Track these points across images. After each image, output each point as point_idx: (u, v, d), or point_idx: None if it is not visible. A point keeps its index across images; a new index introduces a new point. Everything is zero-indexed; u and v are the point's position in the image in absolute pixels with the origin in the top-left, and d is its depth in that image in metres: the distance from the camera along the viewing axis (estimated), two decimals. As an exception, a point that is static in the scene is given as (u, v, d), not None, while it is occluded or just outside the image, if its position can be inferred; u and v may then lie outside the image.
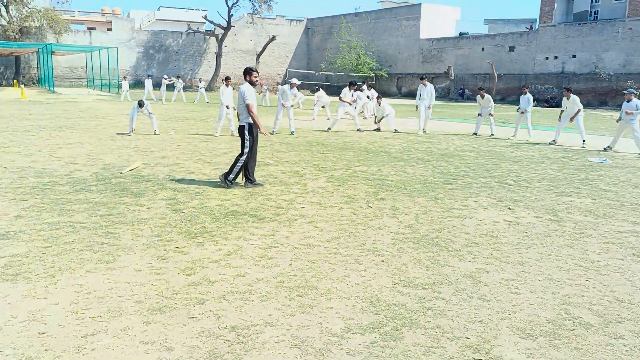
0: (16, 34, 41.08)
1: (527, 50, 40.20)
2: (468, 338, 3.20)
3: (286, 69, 49.18)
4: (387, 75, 47.55)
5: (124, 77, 31.10)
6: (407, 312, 3.54)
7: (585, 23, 37.61)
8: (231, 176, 7.32)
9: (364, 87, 22.28)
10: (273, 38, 47.36)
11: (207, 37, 49.66)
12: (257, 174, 7.88)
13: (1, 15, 41.31)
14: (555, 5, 39.16)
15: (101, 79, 40.68)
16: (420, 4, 46.81)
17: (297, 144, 12.40)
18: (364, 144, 12.92)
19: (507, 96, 39.22)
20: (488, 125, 15.70)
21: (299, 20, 56.92)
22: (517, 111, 15.72)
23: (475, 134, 15.78)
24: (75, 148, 10.72)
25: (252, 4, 46.24)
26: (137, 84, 43.23)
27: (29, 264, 4.19)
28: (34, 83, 44.16)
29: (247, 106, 7.20)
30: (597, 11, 39.01)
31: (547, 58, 39.00)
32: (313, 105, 22.05)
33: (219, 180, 7.51)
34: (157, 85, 36.92)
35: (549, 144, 13.76)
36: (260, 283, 3.98)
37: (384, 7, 53.32)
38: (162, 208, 6.10)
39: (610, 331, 3.33)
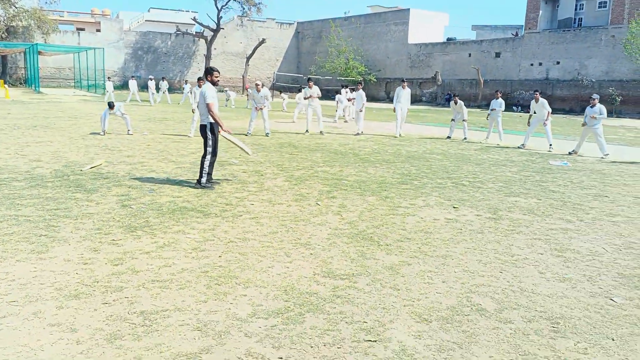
0: (3, 33, 41.01)
1: (512, 57, 40.71)
2: (365, 322, 3.37)
3: (274, 72, 49.29)
4: (375, 80, 47.89)
5: (109, 78, 31.14)
6: (317, 300, 3.70)
7: (569, 30, 38.16)
8: (203, 179, 7.35)
9: (346, 90, 22.56)
10: (263, 41, 47.57)
11: (197, 39, 49.76)
12: (218, 173, 8.00)
13: (-12, 15, 41.26)
14: (540, 12, 39.69)
15: (88, 80, 40.65)
16: (408, 10, 47.30)
17: (269, 146, 12.56)
18: (335, 145, 13.10)
19: (492, 101, 39.59)
20: (462, 129, 15.96)
21: (289, 24, 57.21)
22: (487, 118, 16.11)
23: (449, 137, 16.04)
24: (43, 146, 10.81)
25: (242, 6, 46.52)
26: (125, 85, 43.18)
27: (-37, 254, 4.30)
28: (21, 83, 44.06)
29: (208, 105, 7.36)
30: (581, 18, 39.54)
31: (532, 64, 39.52)
32: (334, 110, 22.35)
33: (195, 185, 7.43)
34: (144, 87, 36.98)
35: (518, 147, 14.03)
36: (184, 273, 4.12)
37: (373, 11, 53.72)
38: (112, 204, 6.22)
39: (503, 317, 3.52)
